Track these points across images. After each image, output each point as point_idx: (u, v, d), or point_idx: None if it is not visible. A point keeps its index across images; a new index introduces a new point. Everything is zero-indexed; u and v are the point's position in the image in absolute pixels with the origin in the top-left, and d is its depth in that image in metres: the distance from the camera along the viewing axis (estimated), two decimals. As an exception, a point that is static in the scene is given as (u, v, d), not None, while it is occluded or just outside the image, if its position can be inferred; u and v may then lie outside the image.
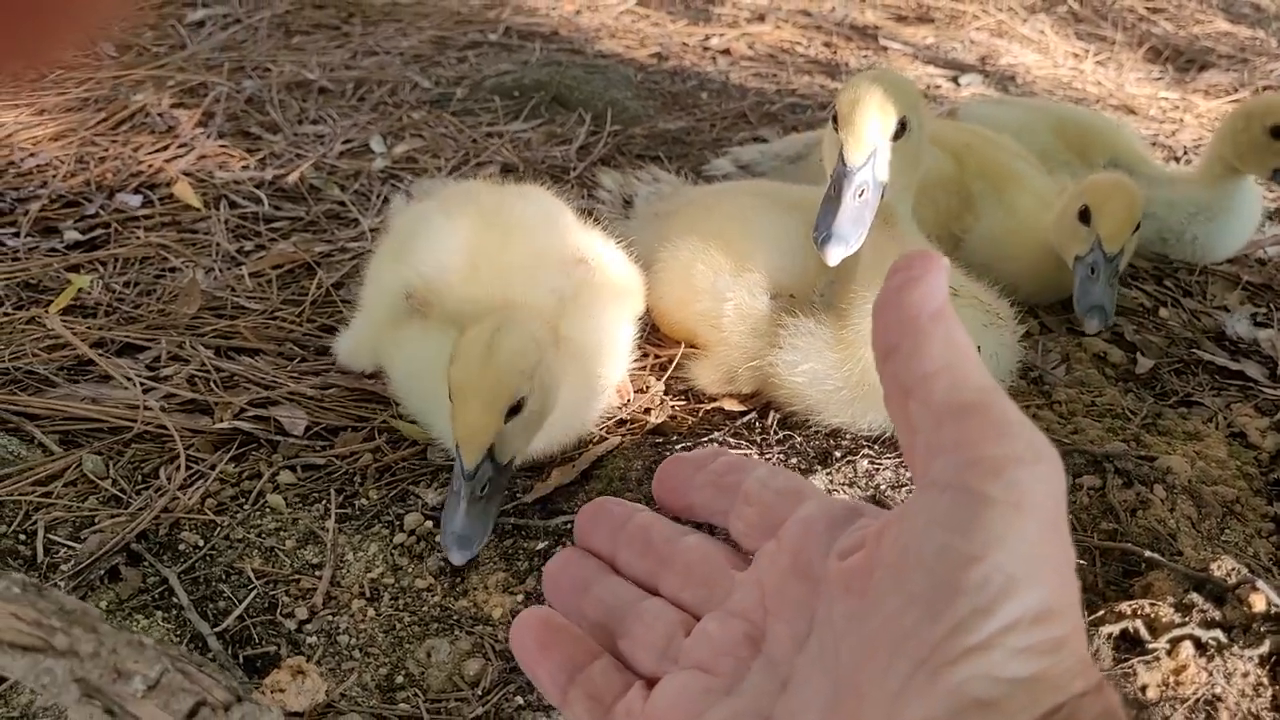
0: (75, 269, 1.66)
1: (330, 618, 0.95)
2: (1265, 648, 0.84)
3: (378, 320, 1.25)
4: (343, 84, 2.51)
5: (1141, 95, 3.19)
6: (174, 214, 1.85)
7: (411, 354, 1.18)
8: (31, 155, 2.15)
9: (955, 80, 2.87)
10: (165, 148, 2.15)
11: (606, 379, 1.21)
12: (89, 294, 1.53)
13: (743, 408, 1.25)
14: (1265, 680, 0.84)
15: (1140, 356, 1.40)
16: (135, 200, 1.92)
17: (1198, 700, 0.82)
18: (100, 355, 1.36)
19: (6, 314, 1.47)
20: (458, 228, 1.26)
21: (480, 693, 0.89)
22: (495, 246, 1.24)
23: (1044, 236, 1.52)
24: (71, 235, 1.79)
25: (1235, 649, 0.84)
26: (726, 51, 2.89)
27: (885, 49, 3.04)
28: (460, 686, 0.90)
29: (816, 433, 1.18)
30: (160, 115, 2.31)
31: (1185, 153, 2.66)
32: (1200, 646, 0.84)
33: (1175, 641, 0.84)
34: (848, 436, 1.17)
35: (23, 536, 1.02)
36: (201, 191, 1.91)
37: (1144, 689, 0.83)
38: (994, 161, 1.64)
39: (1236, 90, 3.59)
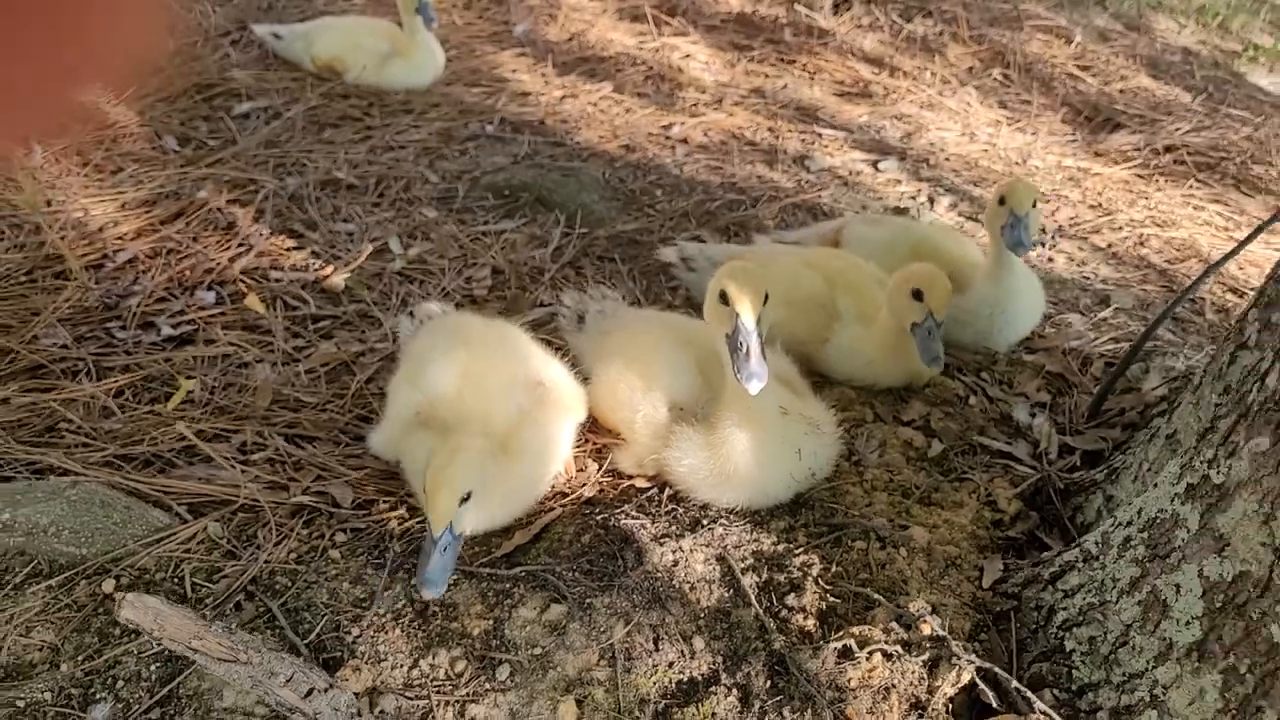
0: (171, 361, 2.24)
1: (372, 634, 1.53)
2: (926, 656, 1.42)
3: (397, 426, 1.84)
4: (366, 180, 3.08)
5: (1045, 167, 3.71)
6: (241, 312, 2.44)
7: (416, 452, 1.77)
8: (122, 251, 2.73)
9: (875, 165, 3.42)
10: (228, 245, 2.74)
11: (552, 468, 1.79)
12: (191, 391, 2.11)
13: (648, 484, 1.84)
14: (924, 676, 1.42)
15: (936, 442, 1.98)
16: (210, 297, 2.51)
17: (880, 688, 1.40)
18: (203, 442, 1.95)
19: (134, 407, 2.06)
20: (452, 361, 1.85)
21: (465, 682, 1.47)
22: (478, 374, 1.82)
23: (890, 339, 2.10)
24: (166, 330, 2.38)
25: (908, 658, 1.42)
26: (685, 140, 3.45)
27: (820, 135, 3.59)
28: (452, 678, 1.49)
29: (692, 506, 1.76)
30: (220, 211, 2.89)
31: (1060, 230, 3.22)
32: (887, 655, 1.42)
33: (872, 652, 1.42)
34: (712, 509, 1.75)
35: (176, 580, 1.61)
36: (260, 292, 2.49)
37: (849, 681, 1.41)
38: (857, 283, 2.21)
39: (1140, 150, 4.14)
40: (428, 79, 3.72)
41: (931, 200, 3.22)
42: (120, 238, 2.78)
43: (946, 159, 3.60)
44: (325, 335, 2.35)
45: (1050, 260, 2.96)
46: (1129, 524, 1.48)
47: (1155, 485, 1.48)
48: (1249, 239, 1.98)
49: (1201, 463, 1.39)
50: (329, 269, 2.61)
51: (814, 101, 3.92)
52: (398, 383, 1.91)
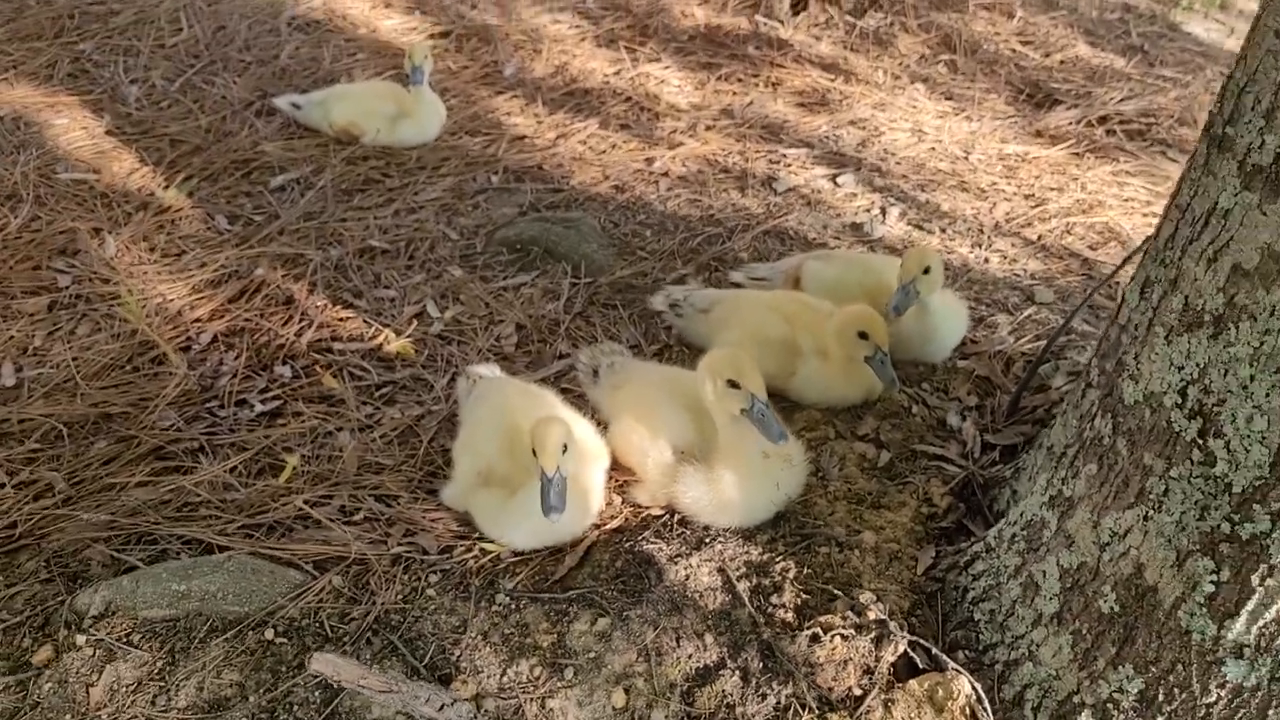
0: (270, 436, 2.78)
1: (469, 653, 2.08)
2: (873, 635, 1.97)
3: (463, 484, 2.38)
4: (397, 243, 3.59)
5: (986, 159, 4.18)
6: (316, 384, 2.96)
7: (482, 505, 2.31)
8: (204, 333, 3.25)
9: (835, 180, 3.91)
10: (291, 319, 3.26)
11: (594, 508, 2.34)
12: (295, 466, 2.65)
13: (661, 513, 2.38)
14: (872, 649, 1.96)
15: (884, 452, 2.52)
16: (287, 372, 3.04)
17: (840, 661, 1.95)
18: (311, 509, 2.49)
19: (251, 482, 2.61)
20: (499, 426, 2.38)
21: (541, 683, 2.02)
22: (519, 435, 2.35)
23: (843, 368, 2.62)
24: (259, 407, 2.91)
25: (859, 637, 1.96)
26: (666, 173, 3.95)
27: (784, 155, 4.07)
28: (532, 680, 2.03)
29: (696, 528, 2.31)
30: (279, 287, 3.40)
31: (996, 227, 3.71)
32: (844, 637, 1.97)
33: (833, 635, 1.96)
34: (712, 530, 2.29)
35: (318, 625, 2.16)
36: (327, 366, 3.02)
37: (819, 659, 1.95)
38: (814, 323, 2.72)
39: (1076, 124, 4.60)
40: (433, 134, 4.20)
41: (884, 211, 3.71)
42: (198, 320, 3.30)
43: (898, 163, 4.09)
44: (388, 401, 2.88)
45: (986, 261, 3.47)
46: (1015, 523, 2.02)
47: (1032, 493, 2.02)
48: (1121, 265, 2.48)
49: (1058, 480, 1.92)
50: (380, 336, 3.13)
51: (778, 117, 4.40)
52: (459, 448, 2.45)
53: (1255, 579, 1.53)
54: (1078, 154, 4.32)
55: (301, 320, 3.24)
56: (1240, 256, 1.52)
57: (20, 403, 2.97)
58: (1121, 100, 4.83)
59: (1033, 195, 3.93)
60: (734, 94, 4.58)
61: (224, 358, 3.12)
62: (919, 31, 5.27)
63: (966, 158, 4.19)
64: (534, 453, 2.15)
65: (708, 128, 4.28)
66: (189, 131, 4.27)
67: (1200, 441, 1.58)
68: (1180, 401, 1.61)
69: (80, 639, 2.16)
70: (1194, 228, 1.63)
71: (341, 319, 3.23)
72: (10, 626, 2.25)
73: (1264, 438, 1.48)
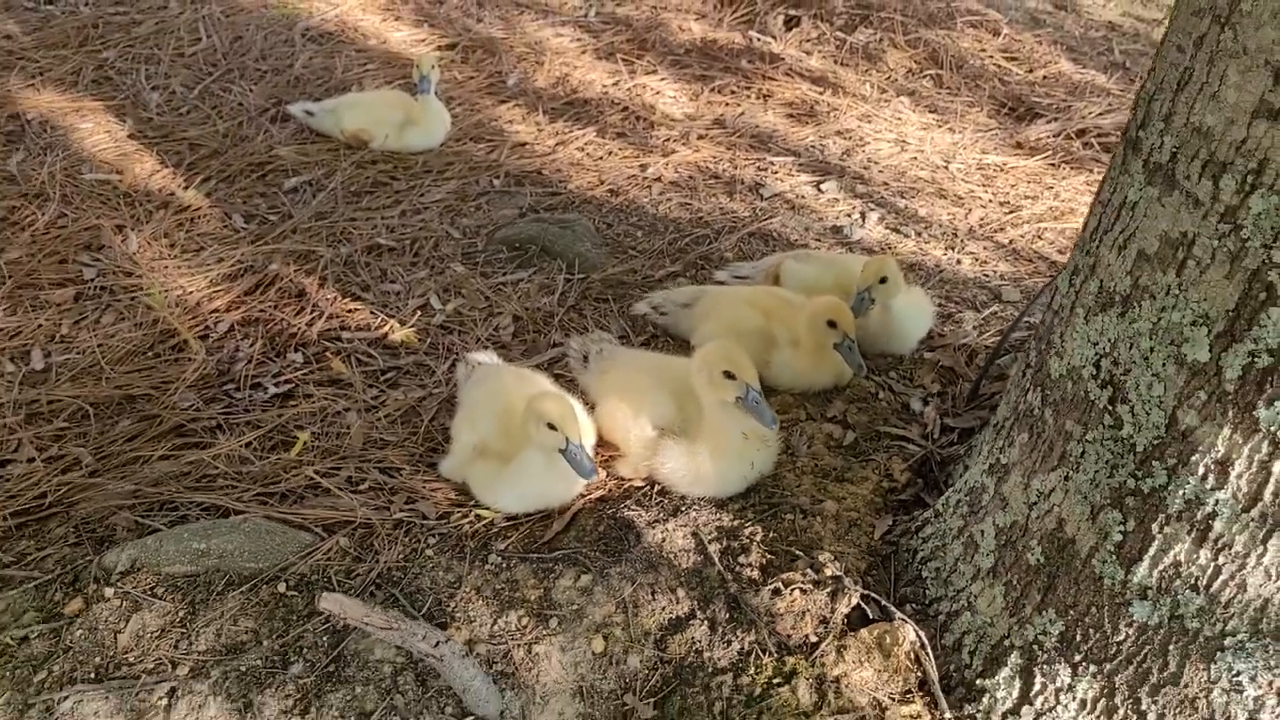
0: (282, 415, 2.99)
1: (463, 605, 2.28)
2: (829, 589, 2.17)
3: (461, 458, 2.59)
4: (402, 241, 3.81)
5: (965, 168, 4.39)
6: (325, 370, 3.17)
7: (478, 475, 2.52)
8: (220, 322, 3.47)
9: (819, 186, 4.13)
10: (303, 311, 3.47)
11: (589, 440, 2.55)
12: (305, 441, 2.86)
13: (642, 484, 2.58)
14: (829, 601, 2.16)
15: (850, 432, 2.72)
16: (299, 358, 3.25)
17: (799, 612, 2.15)
18: (321, 478, 2.70)
19: (265, 456, 2.82)
20: (495, 407, 2.59)
21: (528, 631, 2.23)
22: (514, 414, 2.56)
23: (813, 356, 2.83)
24: (272, 389, 3.12)
25: (816, 591, 2.17)
26: (659, 179, 4.16)
27: (772, 162, 4.29)
28: (520, 629, 2.24)
29: (674, 497, 2.51)
30: (291, 281, 3.62)
31: (970, 231, 3.92)
32: (803, 591, 2.17)
33: (793, 589, 2.16)
34: (688, 499, 2.50)
35: (325, 581, 2.37)
36: (337, 353, 3.23)
37: (779, 610, 2.15)
38: (787, 316, 2.93)
39: (1055, 137, 4.81)
40: (439, 140, 4.43)
41: (863, 216, 3.93)
42: (215, 310, 3.51)
43: (880, 171, 4.30)
44: (392, 385, 3.10)
45: (958, 262, 3.67)
46: (960, 490, 2.22)
47: (975, 463, 2.22)
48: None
49: (997, 449, 2.13)
50: (386, 327, 3.34)
51: (767, 127, 4.62)
52: (458, 424, 2.66)
53: (1155, 527, 1.73)
54: (1054, 164, 4.53)
55: (312, 311, 3.46)
56: (1144, 243, 1.73)
57: (49, 385, 3.19)
58: (1100, 114, 5.04)
59: (1008, 202, 4.14)
60: (726, 105, 4.80)
61: (240, 345, 3.33)
62: (907, 47, 5.49)
63: (946, 167, 4.40)
64: (550, 426, 2.35)
65: (700, 137, 4.50)
66: (207, 136, 4.49)
67: (1110, 408, 1.78)
68: (1095, 373, 1.82)
69: (108, 591, 2.36)
70: (1109, 219, 1.84)
71: (350, 310, 3.44)
72: (42, 583, 2.46)
73: (1161, 402, 1.69)
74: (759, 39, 5.37)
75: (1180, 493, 1.68)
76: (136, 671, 2.21)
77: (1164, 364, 1.68)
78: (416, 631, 1.97)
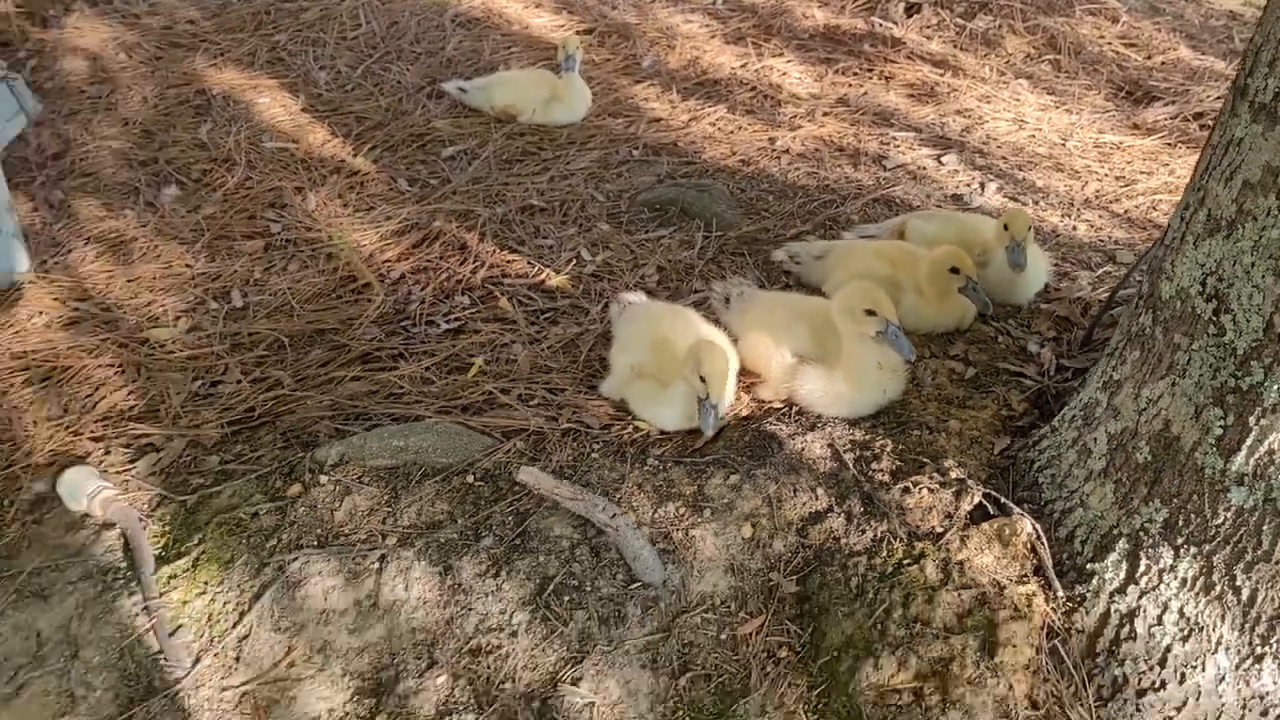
0: (456, 346, 3.37)
1: (627, 497, 2.62)
2: (954, 489, 2.45)
3: (620, 378, 2.94)
4: (552, 203, 4.18)
5: (1081, 145, 4.59)
6: (491, 309, 3.55)
7: (636, 393, 2.87)
8: (393, 270, 3.87)
9: (939, 159, 4.38)
10: (466, 260, 3.86)
11: (730, 394, 2.86)
12: (480, 366, 3.24)
13: (781, 406, 2.89)
14: (953, 499, 2.44)
15: (971, 368, 2.99)
16: (466, 300, 3.64)
17: (927, 508, 2.43)
18: (499, 394, 3.07)
19: (444, 378, 3.20)
20: (646, 335, 2.93)
21: (685, 518, 2.55)
22: (666, 343, 2.89)
23: (936, 301, 3.10)
24: (444, 325, 3.51)
25: (942, 490, 2.45)
26: (787, 151, 4.46)
27: (894, 137, 4.55)
28: (678, 516, 2.56)
29: (811, 416, 2.81)
30: (454, 235, 4.01)
31: (1086, 201, 4.13)
32: (930, 490, 2.45)
33: (921, 488, 2.45)
34: (824, 418, 2.79)
35: (508, 474, 2.73)
36: (503, 294, 3.61)
37: (909, 505, 2.44)
38: (912, 265, 3.20)
39: (1173, 119, 4.97)
40: (581, 115, 4.79)
41: (982, 185, 4.17)
42: (388, 260, 3.93)
43: (998, 147, 4.53)
44: (552, 322, 3.46)
45: (1074, 229, 3.89)
46: (1074, 407, 2.48)
47: (1089, 383, 2.48)
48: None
49: (1110, 368, 2.38)
50: (542, 275, 3.71)
51: (889, 106, 4.88)
52: (616, 351, 3.01)
53: (1252, 420, 1.98)
54: (1170, 144, 4.70)
55: (475, 261, 3.85)
56: (1248, 174, 1.98)
57: (248, 320, 3.63)
58: (1218, 98, 5.16)
59: (1123, 177, 4.33)
60: (850, 85, 5.08)
61: (411, 289, 3.74)
62: (1025, 33, 5.69)
63: (1064, 144, 4.60)
64: (701, 378, 2.66)
65: (825, 114, 4.78)
66: (371, 110, 4.94)
67: (1215, 318, 2.03)
68: (1201, 290, 2.07)
69: (323, 478, 2.77)
70: (1218, 158, 2.09)
71: (508, 261, 3.82)
72: (263, 474, 2.88)
73: (1260, 309, 1.94)
74: (880, 25, 5.63)
75: (1275, 387, 1.93)
76: (352, 540, 2.60)
77: (1263, 276, 1.93)
78: (597, 503, 2.31)
